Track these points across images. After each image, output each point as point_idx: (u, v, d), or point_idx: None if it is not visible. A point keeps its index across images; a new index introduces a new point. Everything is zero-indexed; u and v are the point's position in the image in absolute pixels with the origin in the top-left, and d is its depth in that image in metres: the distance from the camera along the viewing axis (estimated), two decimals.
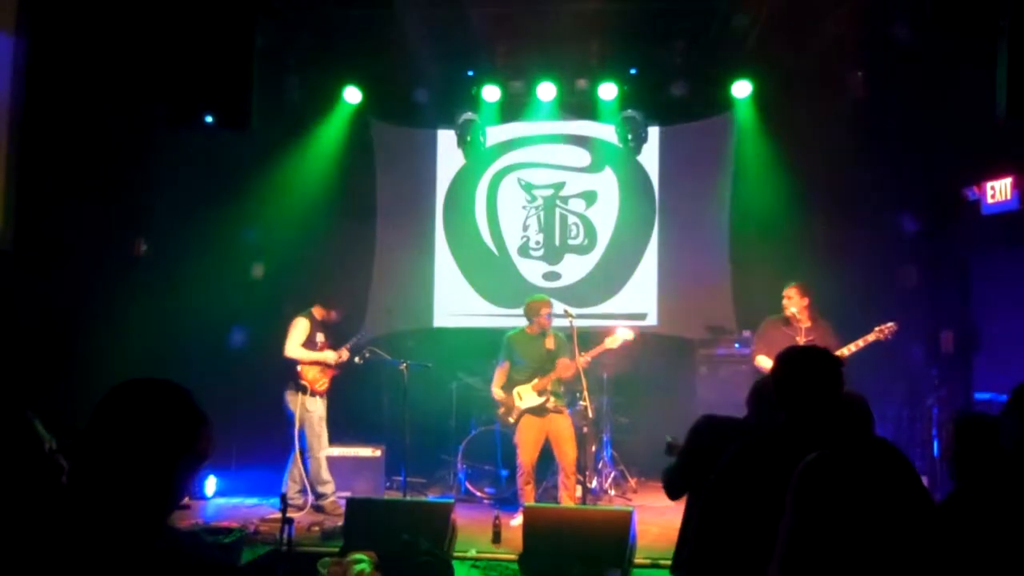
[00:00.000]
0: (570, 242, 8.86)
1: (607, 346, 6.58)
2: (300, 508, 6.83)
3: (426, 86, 8.39)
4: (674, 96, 8.13)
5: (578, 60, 8.11)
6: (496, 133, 8.78)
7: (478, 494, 7.46)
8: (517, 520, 6.11)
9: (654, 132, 8.58)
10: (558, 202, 8.89)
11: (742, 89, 8.04)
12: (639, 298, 8.68)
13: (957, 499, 2.26)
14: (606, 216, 8.81)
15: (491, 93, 8.32)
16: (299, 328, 6.97)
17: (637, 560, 5.40)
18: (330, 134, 8.55)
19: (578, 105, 8.63)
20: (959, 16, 5.16)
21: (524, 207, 8.92)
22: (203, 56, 5.58)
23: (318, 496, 6.91)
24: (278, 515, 4.87)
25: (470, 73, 8.42)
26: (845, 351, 6.12)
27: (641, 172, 8.74)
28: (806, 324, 6.49)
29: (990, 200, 6.97)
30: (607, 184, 8.83)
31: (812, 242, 7.85)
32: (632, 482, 7.85)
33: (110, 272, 6.75)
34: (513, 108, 8.62)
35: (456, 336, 8.59)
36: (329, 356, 6.99)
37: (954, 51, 6.50)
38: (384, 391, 7.99)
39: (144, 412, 1.72)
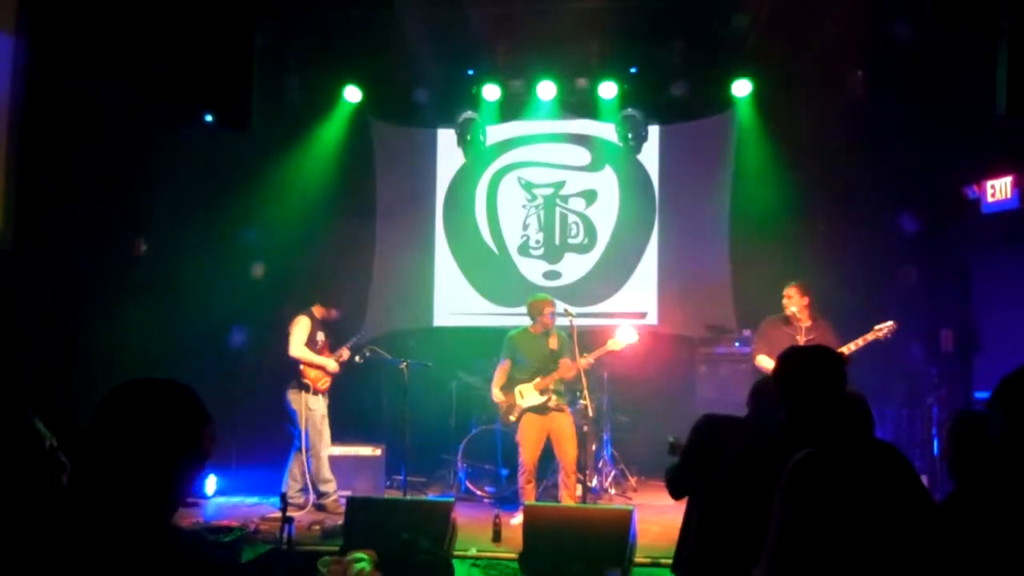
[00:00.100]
0: (570, 241, 8.87)
1: (610, 348, 6.58)
2: (300, 507, 6.83)
3: (426, 85, 8.40)
4: (674, 95, 8.13)
5: (578, 59, 8.12)
6: (496, 132, 8.79)
7: (478, 493, 7.46)
8: (517, 519, 6.11)
9: (654, 131, 8.58)
10: (558, 201, 8.89)
11: (742, 88, 8.04)
12: (639, 297, 8.69)
13: (955, 499, 2.26)
14: (606, 215, 8.82)
15: (491, 92, 8.32)
16: (301, 327, 6.97)
17: (637, 559, 5.40)
18: (330, 134, 8.56)
19: (578, 104, 8.63)
20: (959, 15, 5.16)
21: (524, 206, 8.92)
22: (203, 56, 5.57)
23: (320, 495, 6.92)
24: (278, 514, 4.87)
25: (470, 72, 8.42)
26: (844, 350, 6.11)
27: (641, 171, 8.74)
28: (806, 323, 6.49)
29: (990, 199, 6.98)
30: (607, 183, 8.83)
31: (812, 241, 7.86)
32: (632, 481, 7.85)
33: (110, 272, 6.75)
34: (513, 107, 8.62)
35: (456, 335, 8.59)
36: (331, 364, 7.00)
37: (954, 50, 6.50)
38: (384, 390, 8.00)
39: (148, 411, 1.72)
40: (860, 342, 6.20)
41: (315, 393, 6.95)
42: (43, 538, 1.64)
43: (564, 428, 6.60)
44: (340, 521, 5.92)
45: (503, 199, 8.94)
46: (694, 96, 8.19)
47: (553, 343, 6.72)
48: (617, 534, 5.29)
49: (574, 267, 8.82)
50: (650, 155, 8.69)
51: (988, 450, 2.14)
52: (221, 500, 7.24)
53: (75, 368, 5.96)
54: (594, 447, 7.37)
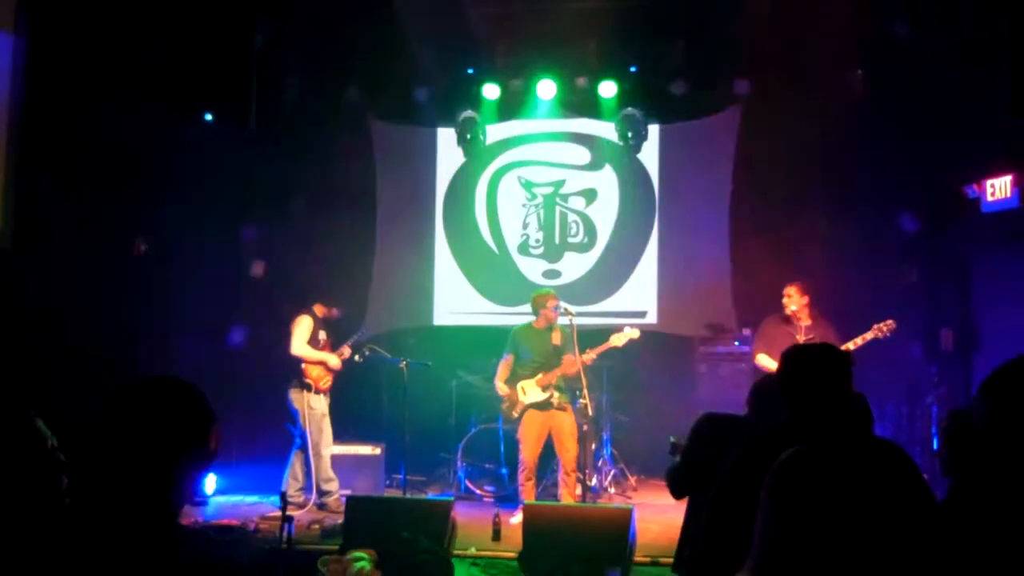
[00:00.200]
0: (570, 240, 8.86)
1: (613, 343, 6.59)
2: (300, 506, 6.84)
3: (426, 84, 8.39)
4: (674, 94, 8.12)
5: (578, 58, 8.11)
6: (496, 131, 8.78)
7: (478, 492, 7.47)
8: (517, 518, 6.11)
9: (654, 130, 8.57)
10: (558, 200, 8.89)
11: (742, 87, 8.03)
12: (639, 296, 8.68)
13: (951, 496, 2.27)
14: (606, 214, 8.81)
15: (491, 91, 8.32)
16: (303, 326, 6.98)
17: (637, 558, 5.41)
18: (330, 133, 8.56)
19: (578, 103, 8.62)
20: (959, 14, 5.17)
21: (524, 205, 8.92)
22: (203, 56, 5.59)
23: (322, 494, 6.92)
24: (278, 513, 4.88)
25: (470, 71, 8.42)
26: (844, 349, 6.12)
27: (641, 170, 8.73)
28: (806, 322, 6.50)
29: (990, 198, 6.98)
30: (607, 182, 8.83)
31: (812, 240, 7.85)
32: (632, 480, 7.85)
33: (110, 272, 6.75)
34: (513, 106, 8.61)
35: (456, 334, 8.59)
36: (333, 360, 7.01)
37: (954, 50, 6.51)
38: (384, 389, 8.00)
39: (156, 409, 1.72)
40: (860, 341, 6.21)
41: (317, 392, 6.95)
42: (44, 538, 1.64)
43: (566, 426, 6.60)
44: (340, 520, 5.92)
45: (503, 198, 8.94)
46: (694, 95, 8.17)
47: (556, 338, 6.72)
48: (617, 533, 5.29)
49: (574, 266, 8.82)
50: (650, 154, 8.68)
51: (979, 446, 2.15)
52: (221, 499, 7.25)
53: (75, 368, 5.96)
54: (594, 446, 7.37)
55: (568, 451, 6.55)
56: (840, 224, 7.74)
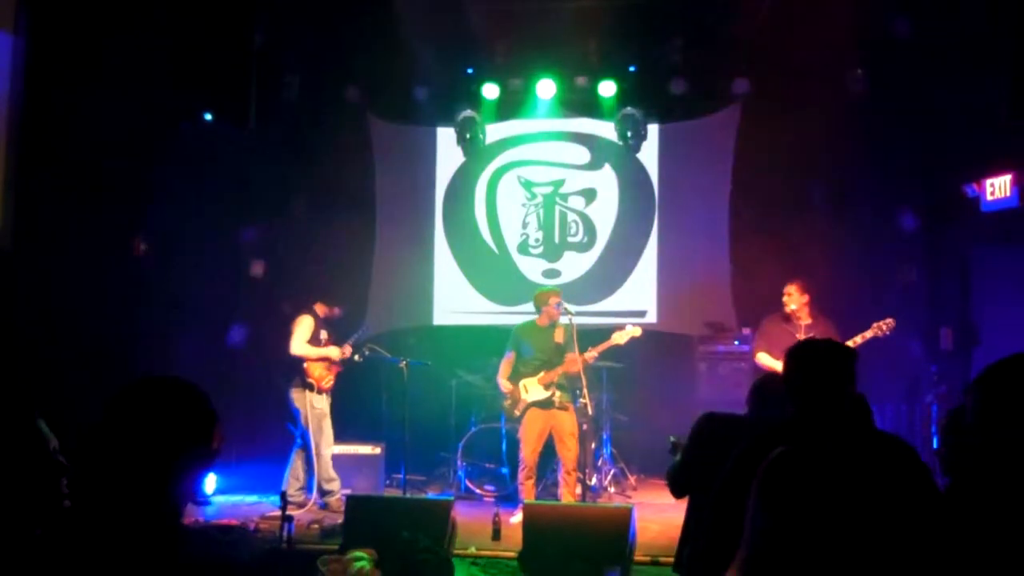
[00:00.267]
0: (569, 239, 8.87)
1: (615, 341, 6.59)
2: (301, 505, 6.84)
3: (426, 84, 8.40)
4: (674, 94, 8.13)
5: (577, 57, 8.12)
6: (496, 131, 8.78)
7: (478, 491, 7.47)
8: (517, 517, 6.11)
9: (653, 129, 8.57)
10: (557, 199, 8.89)
11: (741, 86, 8.04)
12: (638, 295, 8.69)
13: (949, 494, 2.27)
14: (605, 213, 8.81)
15: (491, 90, 8.32)
16: (304, 325, 6.98)
17: (637, 557, 5.41)
18: (329, 133, 8.55)
19: (578, 102, 8.62)
20: (959, 14, 5.18)
21: (524, 204, 8.92)
22: (202, 55, 5.59)
23: (324, 493, 6.93)
24: (278, 512, 4.88)
25: (470, 71, 8.42)
26: None
27: (640, 169, 8.74)
28: (806, 321, 6.50)
29: (989, 197, 6.98)
30: (606, 182, 8.83)
31: (812, 239, 7.85)
32: (632, 479, 7.86)
33: (110, 272, 6.75)
34: (512, 105, 8.62)
35: (456, 334, 8.59)
36: (334, 352, 7.01)
37: (954, 50, 6.51)
38: (384, 389, 8.00)
39: (159, 409, 1.72)
40: (859, 339, 6.21)
41: (319, 392, 6.96)
42: (54, 537, 1.64)
43: (567, 425, 6.60)
44: (340, 520, 5.93)
45: (502, 197, 8.94)
46: (693, 95, 8.18)
47: (559, 336, 6.72)
48: (617, 532, 5.30)
49: (573, 265, 8.82)
50: (649, 154, 8.69)
51: (971, 438, 2.16)
52: (221, 499, 7.25)
53: (75, 368, 5.96)
54: (594, 445, 7.37)
55: (569, 450, 6.55)
56: (840, 223, 7.74)
